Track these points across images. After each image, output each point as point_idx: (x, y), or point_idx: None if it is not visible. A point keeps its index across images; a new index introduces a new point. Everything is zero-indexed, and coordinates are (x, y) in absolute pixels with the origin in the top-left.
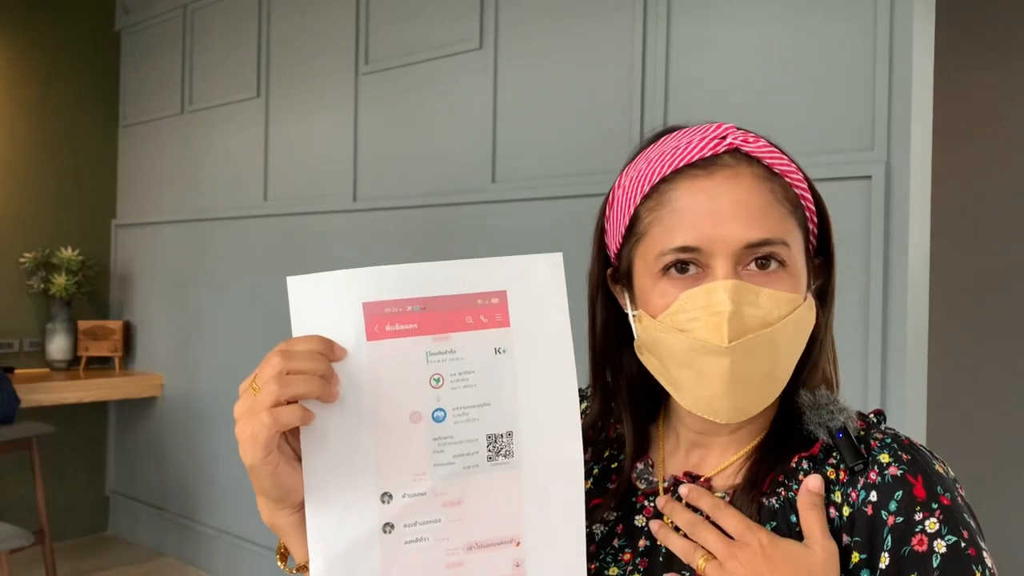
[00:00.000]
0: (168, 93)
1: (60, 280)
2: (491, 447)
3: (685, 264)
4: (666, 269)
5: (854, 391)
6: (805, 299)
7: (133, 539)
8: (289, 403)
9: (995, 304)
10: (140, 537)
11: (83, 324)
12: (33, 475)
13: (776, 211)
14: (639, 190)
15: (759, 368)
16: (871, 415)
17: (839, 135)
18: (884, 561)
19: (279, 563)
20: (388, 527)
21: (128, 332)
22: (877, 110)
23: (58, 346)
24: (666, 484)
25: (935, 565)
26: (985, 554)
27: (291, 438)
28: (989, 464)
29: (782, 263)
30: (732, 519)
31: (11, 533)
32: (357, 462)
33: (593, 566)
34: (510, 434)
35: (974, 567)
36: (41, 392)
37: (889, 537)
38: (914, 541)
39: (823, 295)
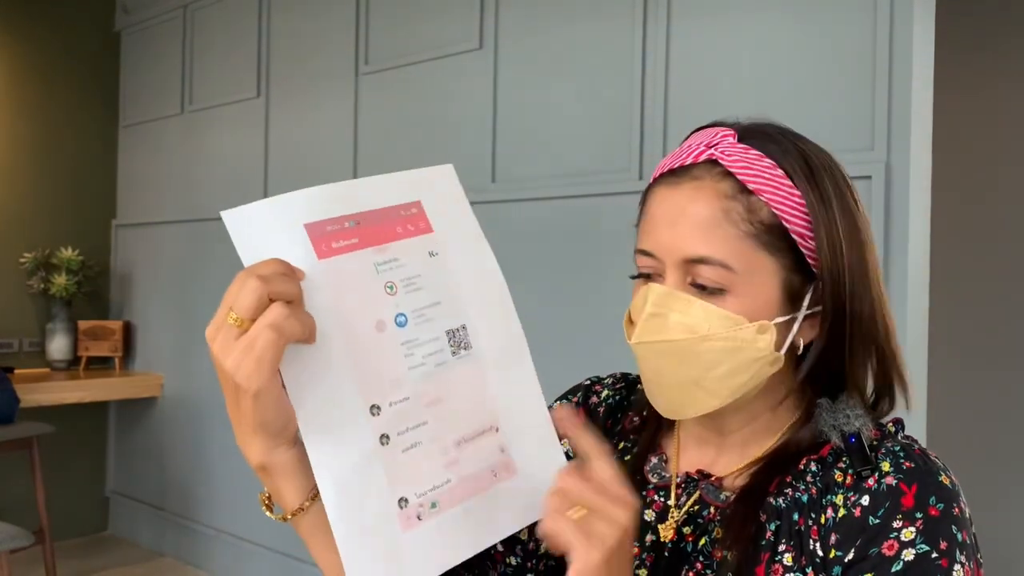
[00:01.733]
0: (168, 93)
1: (60, 280)
2: (452, 342)
3: (649, 270)
4: (640, 273)
5: None
6: (756, 323)
7: (133, 539)
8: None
9: (995, 304)
10: (140, 537)
11: (83, 324)
12: (33, 475)
13: (724, 231)
14: (645, 192)
15: (675, 373)
16: (889, 424)
17: (839, 135)
18: (851, 555)
19: (266, 512)
20: (384, 438)
21: (128, 332)
22: (877, 110)
23: (58, 346)
24: (679, 480)
25: (893, 570)
26: (958, 568)
27: None
28: (989, 464)
29: (721, 288)
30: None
31: (11, 533)
32: (340, 381)
33: None
34: (464, 327)
35: None
36: (41, 392)
37: (861, 538)
38: (885, 546)
39: (841, 315)
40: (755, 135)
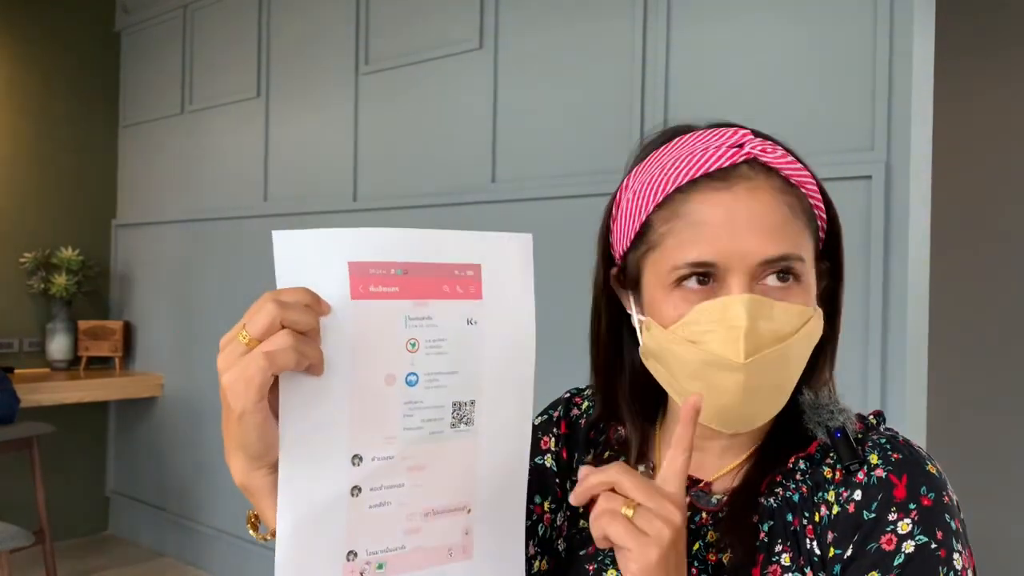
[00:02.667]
0: (168, 93)
1: (60, 280)
2: (455, 414)
3: (703, 277)
4: (679, 281)
5: (854, 392)
6: (815, 310)
7: (133, 539)
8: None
9: (995, 304)
10: (140, 537)
11: (83, 324)
12: (33, 475)
13: (793, 225)
14: (652, 197)
15: (771, 381)
16: (870, 417)
17: (839, 135)
18: (848, 552)
19: (250, 531)
20: (356, 490)
21: (128, 332)
22: (877, 110)
23: (58, 346)
24: None
25: (896, 563)
26: (957, 556)
27: (269, 393)
28: (989, 464)
29: (797, 277)
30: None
31: (11, 533)
32: (332, 421)
33: (592, 567)
34: (472, 403)
35: (940, 568)
36: (41, 392)
37: (859, 533)
38: (883, 540)
39: (830, 299)
40: (757, 132)
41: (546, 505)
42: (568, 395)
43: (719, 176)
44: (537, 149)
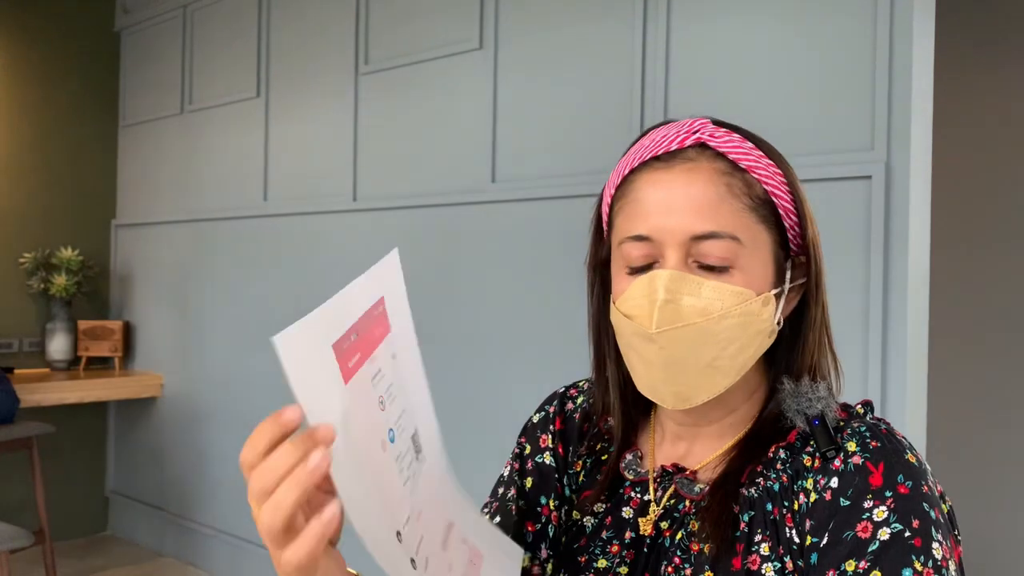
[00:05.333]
0: (168, 93)
1: (60, 280)
2: (415, 447)
3: (646, 256)
4: (627, 258)
5: (854, 391)
6: (765, 296)
7: (133, 539)
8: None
9: (995, 304)
10: (140, 537)
11: (83, 324)
12: (33, 475)
13: (730, 205)
14: (613, 184)
15: (696, 357)
16: (857, 406)
17: (839, 135)
18: (824, 539)
19: None
20: (413, 563)
21: (128, 332)
22: (877, 110)
23: (58, 346)
24: (655, 474)
25: (870, 550)
26: (935, 545)
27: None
28: (989, 463)
29: (728, 264)
30: None
31: (11, 533)
32: (375, 508)
33: (583, 559)
34: (417, 431)
35: (913, 557)
36: (41, 392)
37: (833, 521)
38: (859, 527)
39: (810, 291)
40: (725, 124)
41: (551, 504)
42: (563, 389)
43: (664, 159)
44: (537, 149)
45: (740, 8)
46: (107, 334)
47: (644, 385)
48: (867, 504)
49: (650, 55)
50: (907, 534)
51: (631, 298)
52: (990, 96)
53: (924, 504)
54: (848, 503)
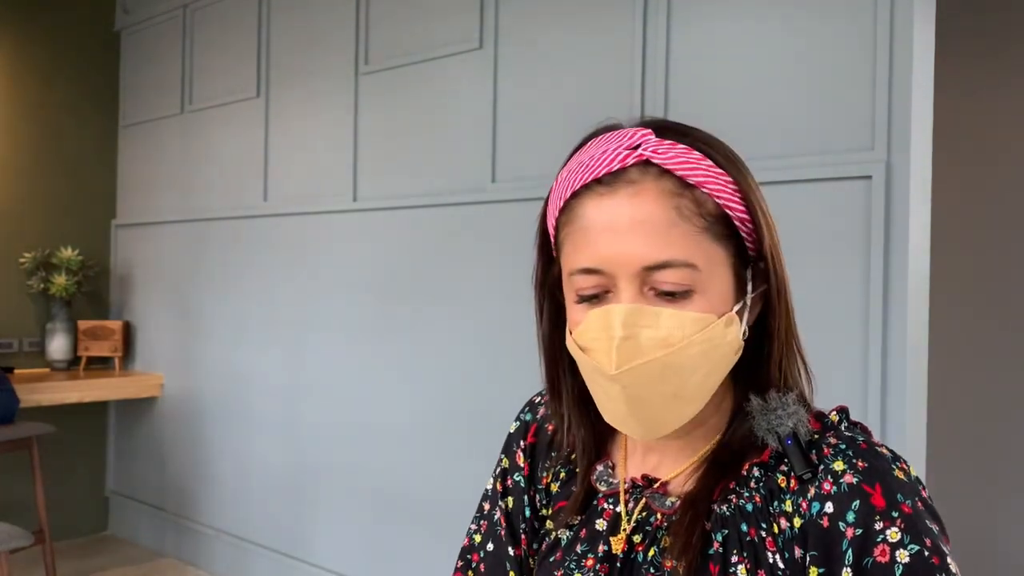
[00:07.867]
0: (168, 93)
1: (60, 280)
2: None
3: (597, 286)
4: (578, 286)
5: (854, 392)
6: (724, 316)
7: (133, 539)
8: None
9: (995, 304)
10: (140, 537)
11: (83, 324)
12: (33, 475)
13: (681, 229)
14: (557, 204)
15: (659, 391)
16: (831, 414)
17: (839, 135)
18: (844, 571)
19: None
20: None
21: (128, 332)
22: (877, 110)
23: (58, 346)
24: (626, 486)
25: (897, 574)
26: (949, 560)
27: None
28: (989, 464)
29: (687, 290)
30: None
31: (11, 533)
32: None
33: (559, 573)
34: None
35: (939, 575)
36: (41, 392)
37: (850, 550)
38: (876, 552)
39: (771, 300)
40: (670, 130)
41: (523, 527)
42: (537, 397)
43: (607, 181)
44: (537, 149)
45: (740, 8)
46: (107, 334)
47: (611, 418)
48: (878, 526)
49: (650, 55)
50: (926, 553)
51: (588, 331)
52: (990, 96)
53: (927, 520)
54: (860, 531)
